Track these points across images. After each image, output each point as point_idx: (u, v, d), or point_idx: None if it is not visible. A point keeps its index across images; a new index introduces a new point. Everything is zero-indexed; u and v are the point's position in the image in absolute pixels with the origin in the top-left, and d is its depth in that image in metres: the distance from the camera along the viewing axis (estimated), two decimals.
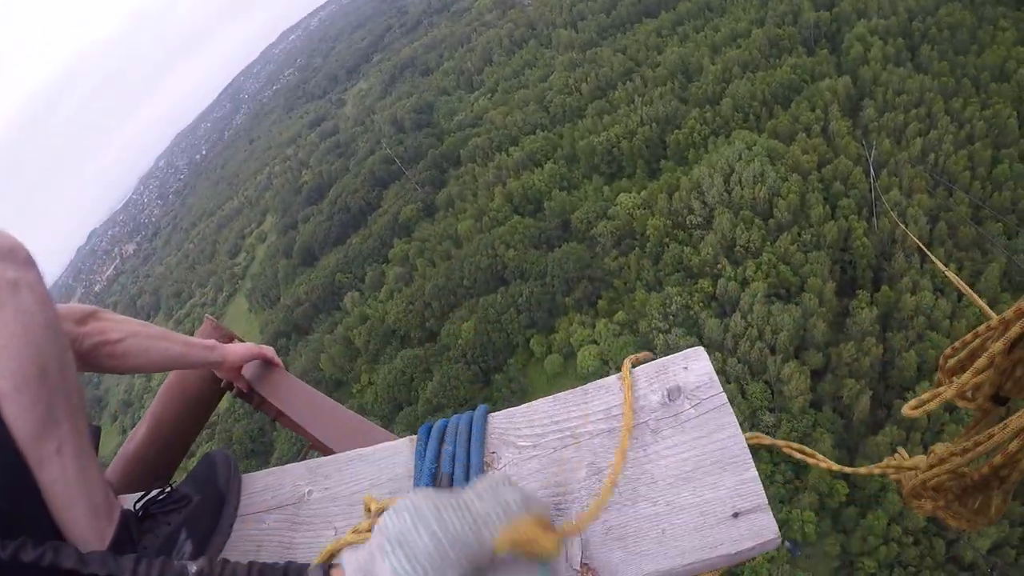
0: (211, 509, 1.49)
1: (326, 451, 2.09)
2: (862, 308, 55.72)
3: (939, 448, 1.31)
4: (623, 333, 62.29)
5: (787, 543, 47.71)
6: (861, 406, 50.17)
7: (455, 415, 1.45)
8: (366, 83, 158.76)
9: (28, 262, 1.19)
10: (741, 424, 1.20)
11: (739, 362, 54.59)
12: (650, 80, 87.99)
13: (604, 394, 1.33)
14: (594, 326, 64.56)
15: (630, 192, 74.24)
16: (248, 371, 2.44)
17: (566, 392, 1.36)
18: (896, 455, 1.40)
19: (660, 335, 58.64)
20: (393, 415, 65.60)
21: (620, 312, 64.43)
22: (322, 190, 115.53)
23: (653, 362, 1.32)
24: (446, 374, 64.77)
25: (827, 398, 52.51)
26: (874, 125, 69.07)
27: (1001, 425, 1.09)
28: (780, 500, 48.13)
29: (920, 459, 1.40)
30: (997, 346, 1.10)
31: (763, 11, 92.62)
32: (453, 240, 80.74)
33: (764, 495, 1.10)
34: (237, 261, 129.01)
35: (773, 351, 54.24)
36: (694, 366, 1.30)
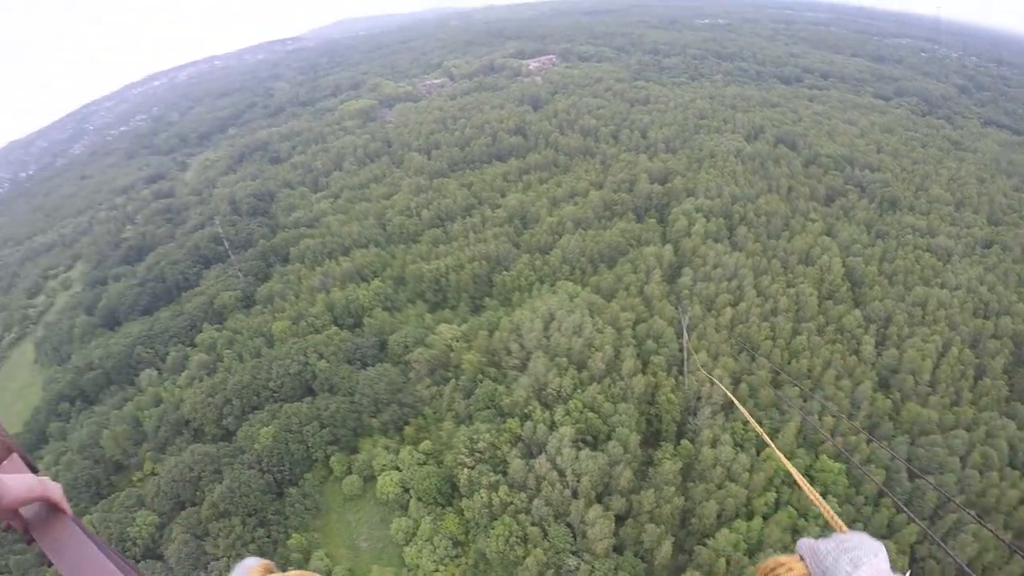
0: None
1: None
2: (665, 459, 56.91)
3: None
4: (427, 463, 59.89)
5: None
6: (663, 551, 50.54)
7: None
8: (214, 153, 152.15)
9: None
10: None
11: (544, 504, 53.57)
12: (489, 220, 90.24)
13: None
14: (398, 452, 61.68)
15: (451, 323, 74.08)
16: (28, 511, 2.14)
17: None
18: None
19: (465, 470, 56.85)
20: (174, 513, 58.46)
21: (427, 441, 62.13)
22: (142, 252, 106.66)
23: None
24: (237, 479, 58.82)
25: (629, 542, 52.50)
26: (688, 292, 73.67)
27: None
28: None
29: None
30: None
31: (603, 176, 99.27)
32: (266, 338, 75.83)
33: None
34: (34, 303, 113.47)
35: (576, 495, 53.83)
36: None
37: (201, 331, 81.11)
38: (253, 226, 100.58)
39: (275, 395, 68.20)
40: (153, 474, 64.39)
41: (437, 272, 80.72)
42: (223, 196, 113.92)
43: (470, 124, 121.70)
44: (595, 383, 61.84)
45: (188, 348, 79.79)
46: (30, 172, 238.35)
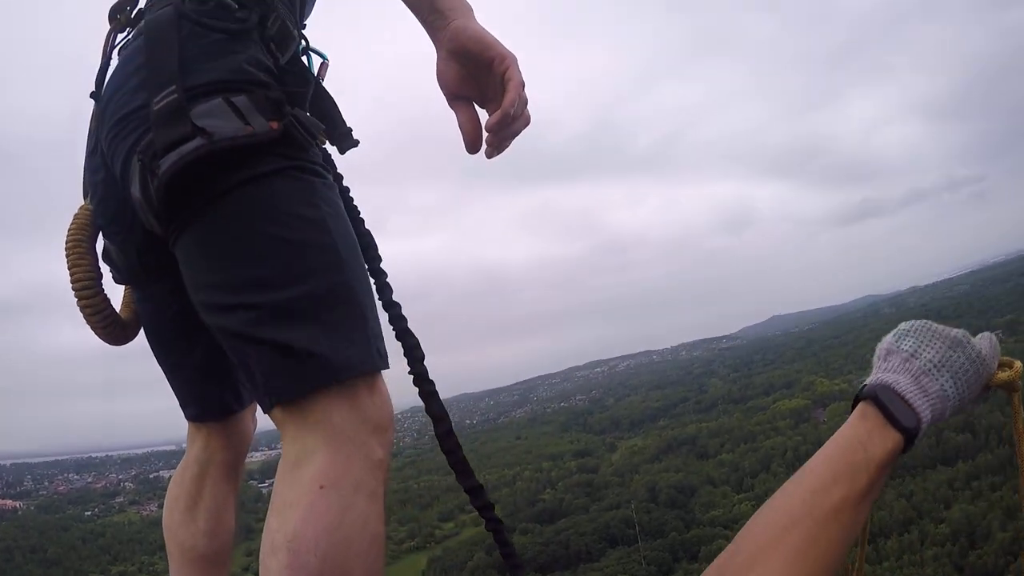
0: None
1: None
2: None
3: None
4: None
5: None
6: None
7: None
8: (643, 441, 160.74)
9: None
10: None
11: None
12: (929, 537, 74.36)
13: None
14: None
15: None
16: None
17: None
18: None
19: None
20: None
21: None
22: (555, 516, 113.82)
23: None
24: None
25: None
26: None
27: None
28: None
29: None
30: None
31: None
32: None
33: None
34: (442, 525, 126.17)
35: None
36: None
37: None
38: (668, 517, 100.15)
39: None
40: None
41: None
42: (643, 483, 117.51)
43: None
44: None
45: None
46: (474, 421, 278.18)
